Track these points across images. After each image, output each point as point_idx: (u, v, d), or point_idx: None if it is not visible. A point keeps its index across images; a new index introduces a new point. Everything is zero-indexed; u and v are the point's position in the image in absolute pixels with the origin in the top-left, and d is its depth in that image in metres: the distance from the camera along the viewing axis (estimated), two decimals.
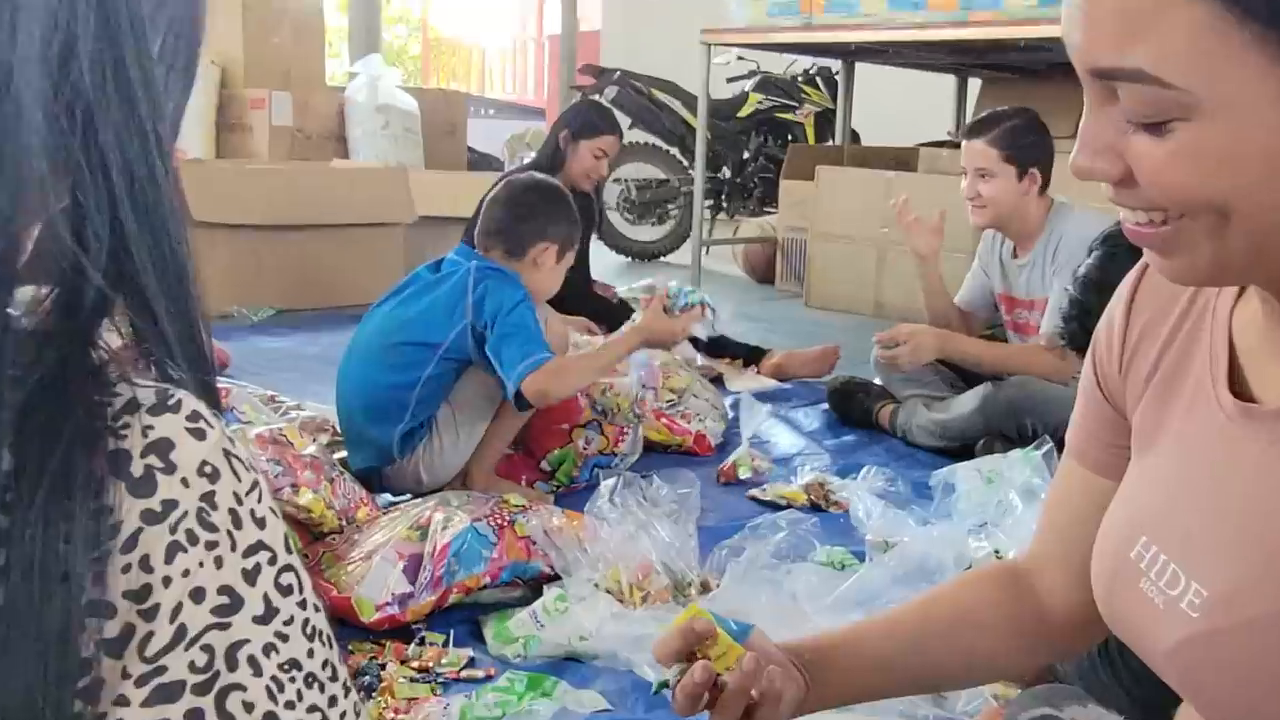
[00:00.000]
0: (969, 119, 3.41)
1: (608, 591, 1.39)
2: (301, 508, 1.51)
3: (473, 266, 1.76)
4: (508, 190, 1.86)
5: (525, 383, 1.65)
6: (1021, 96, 3.43)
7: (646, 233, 5.25)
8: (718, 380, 2.71)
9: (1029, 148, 2.19)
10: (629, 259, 5.17)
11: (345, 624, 1.34)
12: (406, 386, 1.74)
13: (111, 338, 0.37)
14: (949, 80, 4.85)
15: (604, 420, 1.98)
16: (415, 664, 1.29)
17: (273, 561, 0.35)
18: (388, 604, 1.35)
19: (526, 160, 3.13)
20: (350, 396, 1.82)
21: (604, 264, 4.64)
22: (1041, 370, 2.14)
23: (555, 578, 1.44)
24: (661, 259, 5.20)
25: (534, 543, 1.46)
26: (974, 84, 4.68)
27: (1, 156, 0.32)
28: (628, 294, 2.10)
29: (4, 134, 0.32)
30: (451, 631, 1.36)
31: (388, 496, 1.78)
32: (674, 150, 5.35)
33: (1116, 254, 1.17)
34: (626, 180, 5.21)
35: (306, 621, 0.35)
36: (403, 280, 1.85)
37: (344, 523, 1.54)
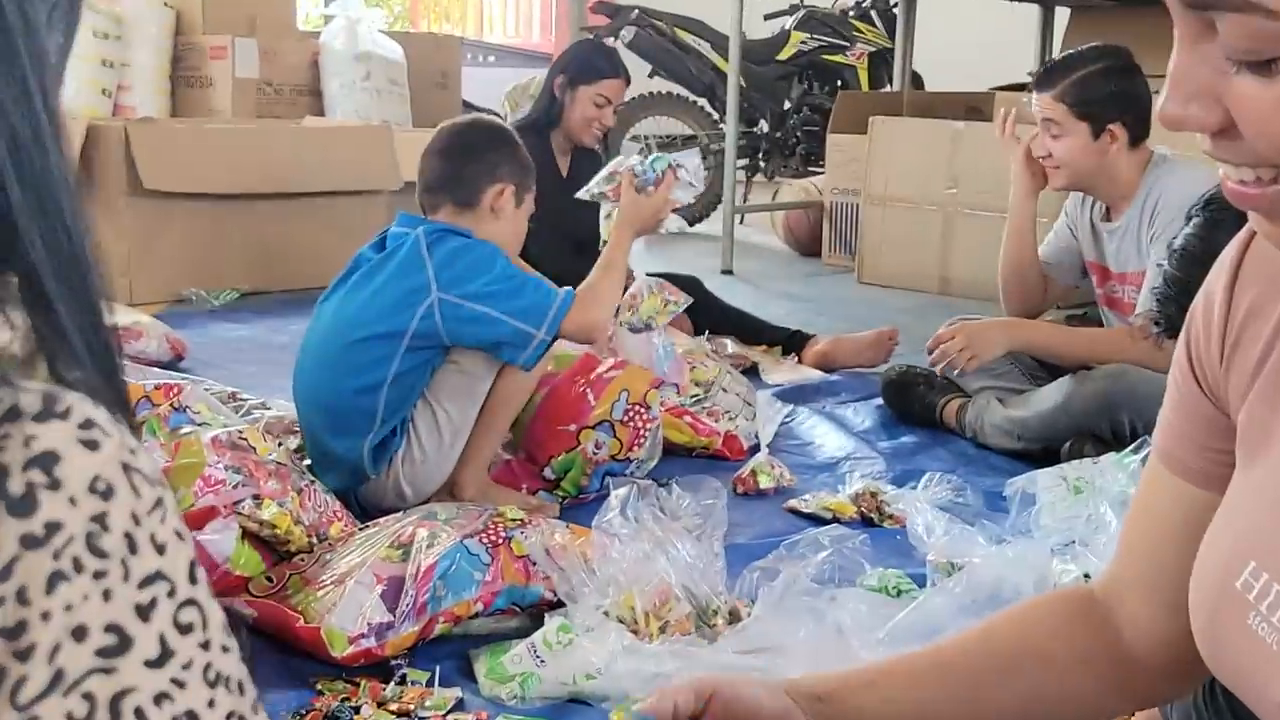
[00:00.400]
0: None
1: (619, 621, 1.39)
2: (265, 523, 1.51)
3: (421, 232, 1.76)
4: (443, 136, 1.87)
5: (566, 322, 1.73)
6: (1118, 30, 3.37)
7: None
8: (752, 371, 2.69)
9: (1108, 100, 2.15)
10: None
11: (314, 659, 1.35)
12: (372, 389, 1.74)
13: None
14: (1031, 10, 4.78)
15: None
16: (394, 706, 1.29)
17: (172, 594, 0.35)
18: (363, 636, 1.36)
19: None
20: (309, 410, 1.83)
21: None
22: (1135, 362, 2.11)
23: (558, 605, 1.44)
24: (687, 229, 5.19)
25: (533, 563, 1.46)
26: (1061, 14, 4.61)
27: None
28: (592, 197, 2.11)
29: None
30: (437, 668, 1.36)
31: None
32: (701, 101, 5.32)
33: (1221, 220, 1.14)
34: (646, 137, 5.20)
35: (209, 666, 0.35)
36: (348, 266, 1.85)
37: (314, 540, 1.55)
